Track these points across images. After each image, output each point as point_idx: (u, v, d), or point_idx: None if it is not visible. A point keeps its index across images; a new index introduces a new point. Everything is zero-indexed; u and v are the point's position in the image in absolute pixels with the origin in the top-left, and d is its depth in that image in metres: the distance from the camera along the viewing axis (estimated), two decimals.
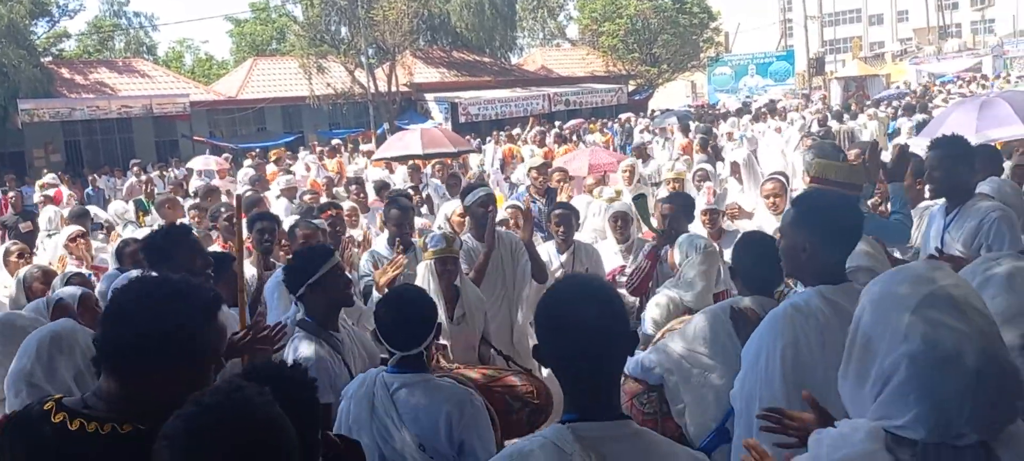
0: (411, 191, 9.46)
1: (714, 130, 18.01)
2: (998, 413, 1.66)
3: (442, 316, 4.92)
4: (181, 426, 1.60)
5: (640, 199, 5.86)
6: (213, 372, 2.13)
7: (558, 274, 5.85)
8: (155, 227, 8.02)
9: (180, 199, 10.70)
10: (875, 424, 1.74)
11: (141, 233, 7.54)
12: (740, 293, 3.74)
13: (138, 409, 2.00)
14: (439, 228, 6.77)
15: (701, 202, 6.73)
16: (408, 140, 15.59)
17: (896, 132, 18.16)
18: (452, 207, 6.81)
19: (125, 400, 2.01)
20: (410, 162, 14.08)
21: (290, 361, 3.43)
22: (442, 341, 4.90)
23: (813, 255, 2.75)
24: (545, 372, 5.04)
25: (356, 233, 7.55)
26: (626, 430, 1.96)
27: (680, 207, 5.69)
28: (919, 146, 9.08)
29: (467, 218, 6.22)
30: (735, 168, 8.95)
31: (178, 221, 7.87)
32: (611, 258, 6.14)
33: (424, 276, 5.03)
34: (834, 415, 2.37)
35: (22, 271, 5.42)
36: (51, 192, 13.84)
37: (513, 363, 4.61)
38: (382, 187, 10.41)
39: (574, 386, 1.99)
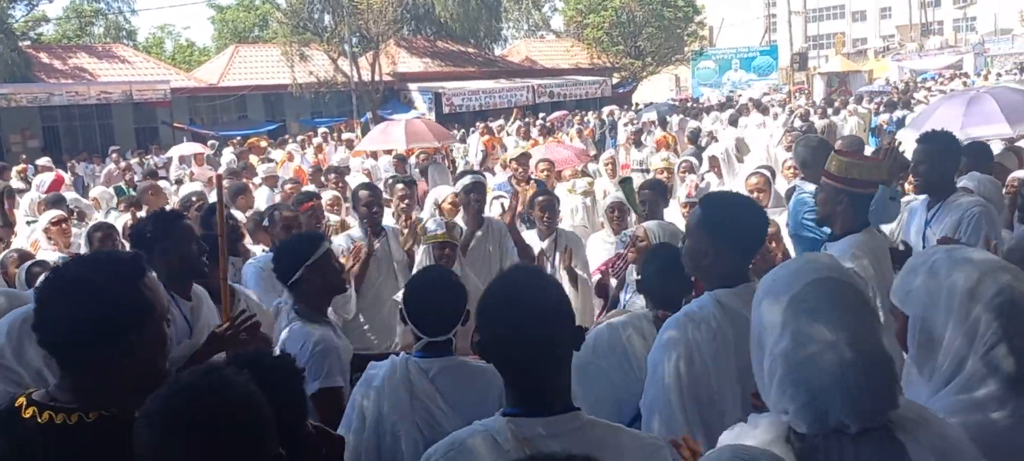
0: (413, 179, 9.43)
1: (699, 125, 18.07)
2: (873, 402, 1.70)
3: None
4: (158, 405, 1.62)
5: (626, 183, 5.84)
6: (165, 330, 2.12)
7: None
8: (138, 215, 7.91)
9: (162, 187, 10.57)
10: (775, 417, 1.79)
11: (116, 219, 7.46)
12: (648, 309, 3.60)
13: (100, 395, 2.00)
14: (432, 216, 6.76)
15: (682, 194, 6.74)
16: (392, 133, 15.47)
17: (878, 128, 18.27)
18: (443, 193, 6.80)
19: (84, 388, 2.01)
20: (395, 151, 14.02)
21: (303, 351, 3.35)
22: None
23: (715, 259, 2.75)
24: None
25: (350, 220, 7.52)
26: (573, 423, 1.92)
27: (658, 193, 5.84)
28: (905, 140, 9.12)
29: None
30: (714, 162, 8.96)
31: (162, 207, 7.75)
32: (600, 249, 6.11)
33: (421, 261, 5.03)
34: (726, 422, 2.39)
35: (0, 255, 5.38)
36: (51, 176, 13.65)
37: None
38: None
39: (516, 380, 1.97)
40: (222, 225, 3.68)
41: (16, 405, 2.03)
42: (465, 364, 3.03)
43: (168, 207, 7.68)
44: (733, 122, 17.98)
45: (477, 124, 23.16)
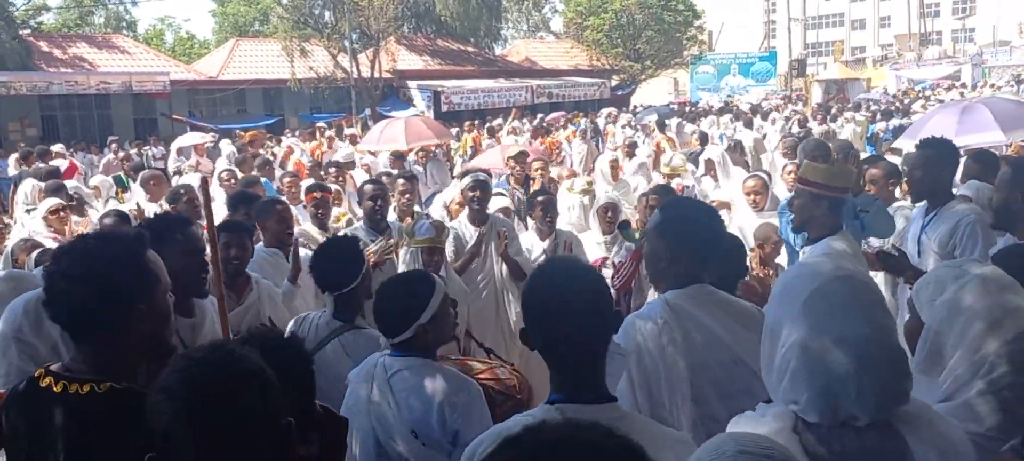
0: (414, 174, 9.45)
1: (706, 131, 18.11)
2: (884, 396, 1.75)
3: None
4: (175, 378, 1.74)
5: (625, 229, 5.77)
6: (169, 305, 2.22)
7: (541, 261, 5.89)
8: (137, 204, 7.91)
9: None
10: (783, 408, 1.84)
11: (123, 208, 7.48)
12: None
13: (111, 365, 2.10)
14: (440, 217, 6.80)
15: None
16: (393, 132, 15.34)
17: (875, 136, 18.35)
18: (450, 194, 6.83)
19: (96, 359, 2.11)
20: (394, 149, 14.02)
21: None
22: None
23: (670, 264, 2.83)
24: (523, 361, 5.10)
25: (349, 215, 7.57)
26: (612, 413, 2.01)
27: (664, 199, 5.79)
28: (903, 148, 9.20)
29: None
30: (710, 165, 9.03)
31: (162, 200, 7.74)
32: (593, 249, 6.18)
33: (408, 263, 5.05)
34: (675, 414, 2.58)
35: (9, 245, 5.43)
36: (65, 163, 13.72)
37: (495, 356, 4.51)
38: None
39: (560, 368, 2.05)
40: (212, 233, 3.40)
41: (36, 376, 2.14)
42: (427, 366, 3.01)
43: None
44: (748, 124, 18.07)
45: (470, 123, 23.26)
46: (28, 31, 34.56)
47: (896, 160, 8.37)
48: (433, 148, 14.53)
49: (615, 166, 9.99)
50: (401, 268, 5.17)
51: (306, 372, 2.38)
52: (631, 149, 12.99)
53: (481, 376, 3.89)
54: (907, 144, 8.90)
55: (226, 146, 18.03)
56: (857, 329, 1.75)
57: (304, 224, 6.52)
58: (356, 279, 3.71)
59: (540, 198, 6.16)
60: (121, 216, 5.83)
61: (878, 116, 20.47)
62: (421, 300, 3.05)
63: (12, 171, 19.35)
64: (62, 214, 7.04)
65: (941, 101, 23.33)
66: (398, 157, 12.88)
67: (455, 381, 2.99)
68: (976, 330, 2.08)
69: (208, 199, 3.57)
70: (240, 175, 10.18)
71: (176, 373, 1.74)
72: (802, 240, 4.30)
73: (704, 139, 13.74)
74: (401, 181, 6.90)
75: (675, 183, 8.16)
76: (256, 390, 1.75)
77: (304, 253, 4.85)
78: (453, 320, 3.32)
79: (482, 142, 18.81)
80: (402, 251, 5.27)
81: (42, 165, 13.32)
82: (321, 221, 6.28)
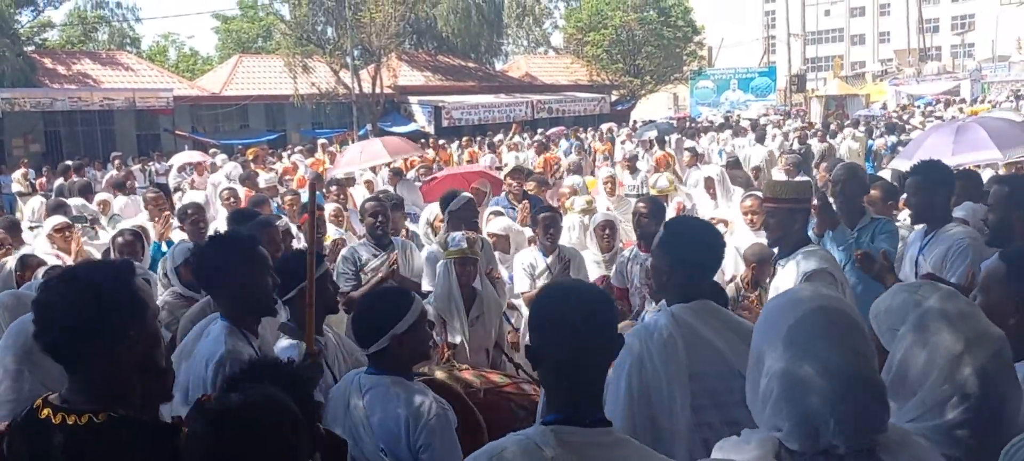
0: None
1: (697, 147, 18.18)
2: (862, 424, 1.80)
3: (461, 315, 5.08)
4: (214, 412, 1.95)
5: None
6: (159, 329, 2.30)
7: (544, 278, 5.91)
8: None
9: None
10: (767, 434, 1.88)
11: (131, 223, 7.53)
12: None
13: (107, 394, 2.13)
14: (425, 234, 6.87)
15: (669, 214, 6.84)
16: (351, 155, 15.19)
17: (874, 152, 18.42)
18: (433, 211, 6.89)
19: (90, 388, 2.13)
20: (392, 165, 14.10)
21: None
22: (454, 340, 5.02)
23: (672, 277, 3.01)
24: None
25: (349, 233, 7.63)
26: (607, 438, 2.02)
27: (651, 211, 5.84)
28: (900, 167, 9.27)
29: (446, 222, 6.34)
30: (709, 183, 9.08)
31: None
32: (592, 268, 6.23)
33: (442, 275, 5.13)
34: (670, 422, 2.72)
35: (10, 261, 5.46)
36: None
37: (523, 371, 4.59)
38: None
39: (556, 388, 2.06)
40: (312, 239, 3.44)
41: (34, 407, 2.17)
42: (398, 384, 3.04)
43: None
44: (760, 139, 18.12)
45: (465, 139, 23.40)
46: (32, 48, 34.68)
47: (886, 175, 8.45)
48: (432, 162, 14.58)
49: (612, 181, 10.09)
50: (438, 281, 5.25)
51: (311, 396, 2.46)
52: (632, 162, 13.12)
53: (504, 389, 3.97)
54: (902, 164, 8.97)
55: (228, 166, 18.12)
56: (834, 359, 1.80)
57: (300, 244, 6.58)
58: (291, 291, 3.68)
59: (543, 215, 6.21)
60: (135, 234, 5.89)
61: (875, 133, 20.54)
62: (397, 312, 3.08)
63: (16, 187, 19.53)
64: (67, 233, 7.09)
65: (940, 118, 23.41)
66: (396, 173, 12.99)
67: (419, 401, 2.99)
68: (945, 358, 2.12)
69: (314, 204, 3.66)
70: (242, 193, 10.27)
71: (214, 403, 1.92)
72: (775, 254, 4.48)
73: (696, 156, 13.83)
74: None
75: (675, 202, 8.26)
76: (288, 432, 1.94)
77: None
78: (430, 339, 3.39)
79: (479, 157, 18.93)
80: (439, 265, 5.36)
81: (78, 179, 13.48)
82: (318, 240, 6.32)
